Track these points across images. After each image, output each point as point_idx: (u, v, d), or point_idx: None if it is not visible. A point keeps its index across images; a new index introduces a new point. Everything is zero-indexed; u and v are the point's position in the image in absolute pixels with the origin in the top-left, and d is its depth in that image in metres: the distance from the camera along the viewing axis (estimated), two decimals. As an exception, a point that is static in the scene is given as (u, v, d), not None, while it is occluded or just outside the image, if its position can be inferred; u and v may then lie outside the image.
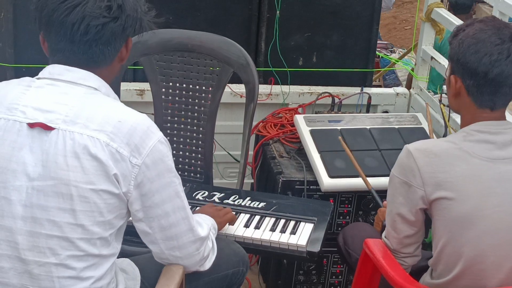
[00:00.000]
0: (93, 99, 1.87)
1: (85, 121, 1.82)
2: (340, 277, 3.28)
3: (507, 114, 2.22)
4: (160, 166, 1.90)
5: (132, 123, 1.86)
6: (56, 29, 1.85)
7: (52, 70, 1.89)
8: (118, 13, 1.86)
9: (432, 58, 3.71)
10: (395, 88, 4.05)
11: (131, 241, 2.33)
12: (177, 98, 2.97)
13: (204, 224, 2.14)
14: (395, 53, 6.83)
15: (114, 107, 1.89)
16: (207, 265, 2.14)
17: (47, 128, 1.82)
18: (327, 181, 3.02)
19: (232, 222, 2.55)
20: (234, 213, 2.59)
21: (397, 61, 5.17)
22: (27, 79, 1.92)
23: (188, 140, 3.00)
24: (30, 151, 1.82)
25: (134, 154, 1.85)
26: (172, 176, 1.94)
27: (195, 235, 2.03)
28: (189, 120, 2.98)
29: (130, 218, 1.98)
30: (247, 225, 2.58)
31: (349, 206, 3.12)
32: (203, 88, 2.94)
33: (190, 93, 2.96)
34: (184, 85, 2.95)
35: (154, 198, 1.91)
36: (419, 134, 3.29)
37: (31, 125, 1.82)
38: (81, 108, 1.84)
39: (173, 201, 1.95)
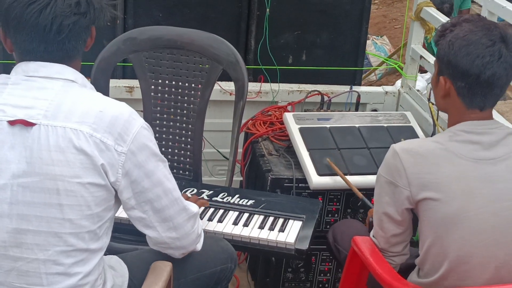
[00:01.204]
0: (71, 91, 1.87)
1: (66, 114, 1.82)
2: (328, 274, 3.29)
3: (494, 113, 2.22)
4: (146, 151, 1.91)
5: (113, 112, 1.87)
6: (27, 31, 1.84)
7: (26, 68, 1.88)
8: (87, 8, 1.87)
9: (421, 57, 3.72)
10: (384, 86, 4.07)
11: (120, 238, 2.34)
12: (166, 95, 2.97)
13: (191, 203, 2.15)
14: (369, 39, 6.88)
15: (93, 98, 1.90)
16: (199, 246, 2.17)
17: (28, 124, 1.81)
18: (316, 179, 3.03)
19: (205, 205, 2.60)
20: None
21: (386, 60, 5.20)
22: (2, 76, 1.91)
23: (177, 137, 3.00)
24: (11, 148, 1.81)
25: (118, 142, 1.85)
26: (158, 160, 1.95)
27: (188, 213, 2.06)
28: (178, 117, 2.98)
29: (117, 215, 1.98)
30: (235, 223, 2.58)
31: (338, 204, 3.13)
32: (193, 85, 2.94)
33: (180, 90, 2.95)
34: (174, 83, 2.95)
35: (144, 183, 1.92)
36: (408, 132, 3.30)
37: (12, 123, 1.82)
38: (61, 101, 1.84)
39: (163, 184, 1.96)
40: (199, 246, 2.17)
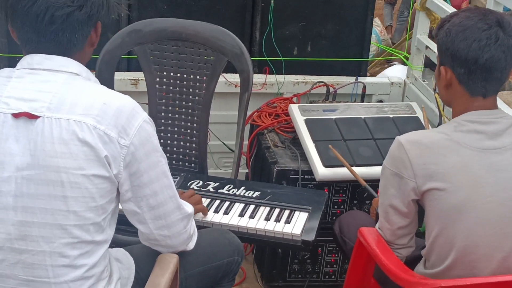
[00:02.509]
0: (75, 84, 1.87)
1: (70, 107, 1.82)
2: (334, 266, 3.28)
3: (499, 102, 2.22)
4: (147, 145, 1.90)
5: (117, 105, 1.86)
6: (22, 19, 1.85)
7: (31, 60, 1.88)
8: (83, 1, 1.86)
9: (426, 47, 3.71)
10: (390, 77, 4.06)
11: (126, 231, 2.33)
12: (171, 88, 2.96)
13: (187, 203, 2.15)
14: None
15: (97, 91, 1.90)
16: (191, 245, 2.16)
17: (32, 117, 1.81)
18: (321, 171, 3.02)
19: (203, 212, 2.55)
20: (204, 204, 2.59)
21: (392, 51, 5.18)
22: (6, 70, 1.91)
23: (182, 130, 2.99)
24: (15, 141, 1.82)
25: (121, 135, 1.85)
26: (158, 156, 1.95)
27: (182, 212, 2.05)
28: (183, 109, 2.97)
29: (121, 207, 1.98)
30: (241, 215, 2.58)
31: (344, 195, 3.13)
32: (198, 77, 2.93)
33: (184, 82, 2.95)
34: (178, 75, 2.95)
35: (142, 177, 1.91)
36: (414, 123, 3.30)
37: (16, 115, 1.82)
38: (65, 94, 1.84)
39: (161, 180, 1.95)
40: (190, 246, 2.16)
